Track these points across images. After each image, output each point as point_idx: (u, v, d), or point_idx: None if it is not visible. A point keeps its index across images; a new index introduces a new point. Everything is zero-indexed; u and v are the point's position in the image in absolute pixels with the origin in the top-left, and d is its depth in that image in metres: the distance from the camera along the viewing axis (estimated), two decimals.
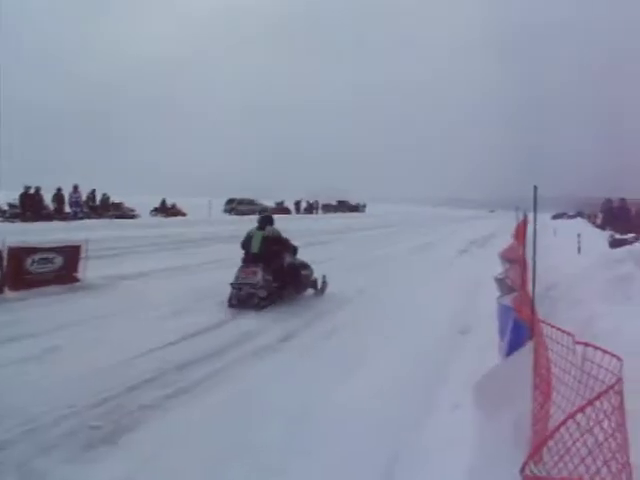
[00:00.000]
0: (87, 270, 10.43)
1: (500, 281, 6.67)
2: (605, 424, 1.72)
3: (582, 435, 1.66)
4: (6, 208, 26.78)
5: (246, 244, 9.99)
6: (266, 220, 10.30)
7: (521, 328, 3.18)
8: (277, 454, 4.07)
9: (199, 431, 4.42)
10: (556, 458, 1.66)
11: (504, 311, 4.24)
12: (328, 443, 4.22)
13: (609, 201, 23.76)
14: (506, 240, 11.06)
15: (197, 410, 4.83)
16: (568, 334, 2.63)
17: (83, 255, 10.55)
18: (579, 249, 15.47)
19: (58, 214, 27.72)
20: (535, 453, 1.58)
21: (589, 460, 1.64)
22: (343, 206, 73.26)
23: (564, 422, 1.66)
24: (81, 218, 27.90)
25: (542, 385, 2.38)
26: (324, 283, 10.62)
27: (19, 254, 9.64)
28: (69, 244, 10.74)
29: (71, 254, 10.47)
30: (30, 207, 26.26)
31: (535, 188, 3.51)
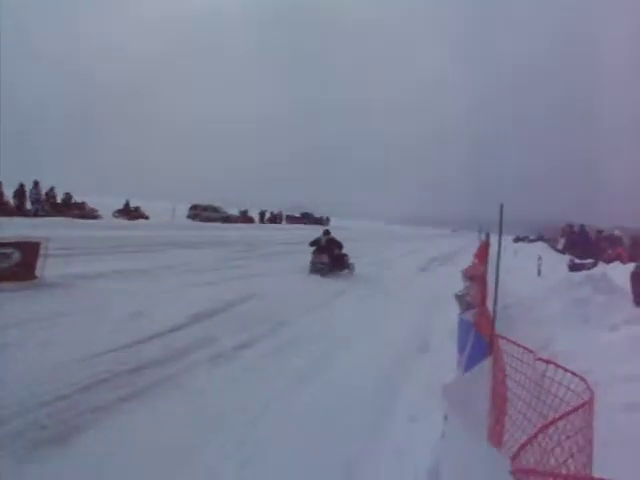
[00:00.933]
0: (45, 268, 10.17)
1: (460, 298, 6.69)
2: (572, 442, 1.69)
3: (544, 455, 1.62)
4: None
5: (317, 242, 16.29)
6: (328, 231, 17.30)
7: (481, 343, 3.16)
8: None
9: None
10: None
11: (464, 326, 4.24)
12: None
13: (570, 226, 24.39)
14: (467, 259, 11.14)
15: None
16: (529, 351, 2.61)
17: (42, 252, 10.24)
18: (539, 272, 15.80)
19: (19, 210, 27.02)
20: (520, 451, 1.54)
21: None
22: (307, 218, 73.71)
23: (545, 427, 1.62)
24: (42, 216, 27.18)
25: (499, 400, 2.35)
26: (353, 267, 16.73)
27: None
28: (28, 240, 10.40)
29: (30, 250, 10.11)
30: None
31: (501, 206, 3.52)
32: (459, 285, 8.07)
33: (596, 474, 1.89)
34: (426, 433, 4.17)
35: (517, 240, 59.56)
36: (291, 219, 68.98)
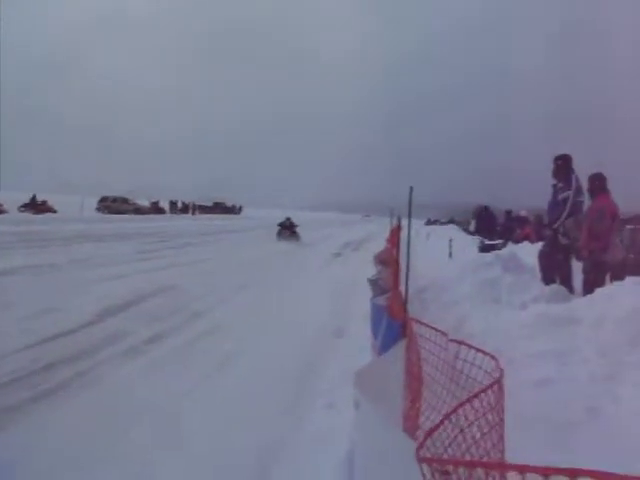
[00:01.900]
0: None
1: (373, 282, 6.76)
2: (482, 422, 1.70)
3: (461, 431, 1.63)
4: None
5: (283, 223, 26.62)
6: (289, 218, 27.19)
7: (394, 327, 3.17)
8: None
9: None
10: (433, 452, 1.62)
11: (377, 311, 4.26)
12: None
13: (481, 208, 25.22)
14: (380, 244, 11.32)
15: None
16: (442, 333, 2.64)
17: None
18: (450, 254, 16.24)
19: None
20: (426, 439, 1.53)
21: (467, 457, 1.62)
22: (219, 208, 73.91)
23: (447, 417, 1.62)
24: None
25: (413, 383, 2.37)
26: (300, 237, 26.40)
27: None
28: None
29: None
30: None
31: (411, 189, 3.54)
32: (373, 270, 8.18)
33: (508, 451, 1.93)
34: (344, 420, 4.19)
35: (429, 223, 61.29)
36: (203, 209, 68.99)
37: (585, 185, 8.21)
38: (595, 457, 3.28)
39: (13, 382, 5.20)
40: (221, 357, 6.39)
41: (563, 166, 8.43)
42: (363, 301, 7.61)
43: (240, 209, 79.95)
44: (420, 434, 2.12)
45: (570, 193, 8.15)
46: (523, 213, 22.69)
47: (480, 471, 1.28)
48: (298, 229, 27.06)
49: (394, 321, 3.24)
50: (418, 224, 57.55)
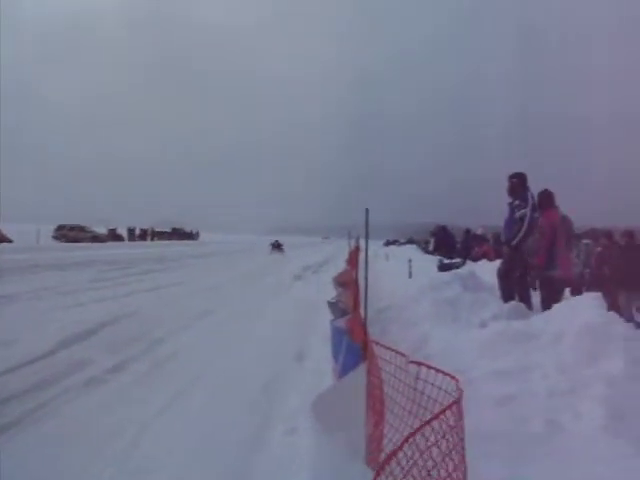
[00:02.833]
0: None
1: (333, 305, 6.77)
2: (442, 444, 1.71)
3: (421, 455, 1.64)
4: None
5: (274, 243, 43.10)
6: (277, 241, 44.44)
7: (354, 350, 3.18)
8: None
9: None
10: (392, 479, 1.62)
11: (337, 333, 4.27)
12: None
13: (439, 227, 25.67)
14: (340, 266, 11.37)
15: None
16: (401, 354, 2.66)
17: None
18: (410, 274, 16.40)
19: None
20: (382, 470, 1.53)
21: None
22: (177, 234, 74.00)
23: (405, 442, 1.62)
24: None
25: (376, 405, 2.38)
26: (284, 250, 41.87)
27: None
28: None
29: None
30: None
31: (367, 210, 3.57)
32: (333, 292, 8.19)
33: (470, 469, 1.94)
34: (306, 445, 4.16)
35: (388, 244, 61.89)
36: (161, 235, 69.03)
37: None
38: (555, 471, 3.33)
39: None
40: (181, 386, 6.29)
41: (518, 184, 8.63)
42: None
43: (197, 234, 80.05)
44: (383, 456, 2.12)
45: (527, 210, 8.34)
46: (479, 231, 23.13)
47: None
48: (284, 247, 42.41)
49: (354, 343, 3.25)
50: (377, 245, 58.10)
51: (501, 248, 11.27)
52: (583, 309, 5.41)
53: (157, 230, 69.73)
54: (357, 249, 9.24)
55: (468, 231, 23.52)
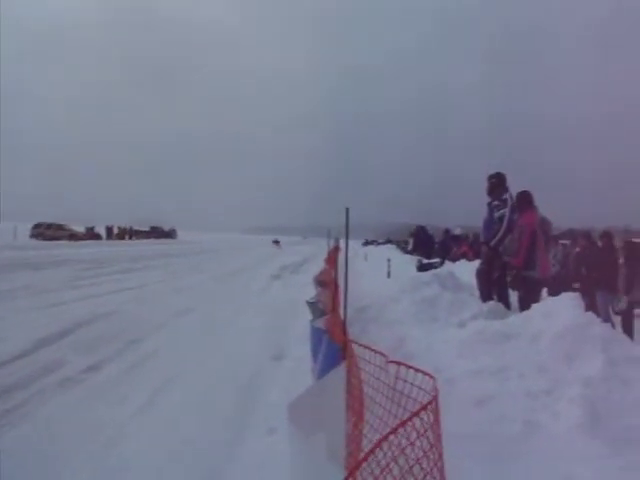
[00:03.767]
0: None
1: (312, 304, 6.77)
2: (419, 443, 1.72)
3: (397, 455, 1.64)
4: None
5: (274, 241, 63.80)
6: (276, 239, 66.76)
7: (333, 350, 3.18)
8: None
9: None
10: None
11: (316, 334, 4.26)
12: None
13: (418, 227, 25.82)
14: (319, 265, 11.39)
15: None
16: (380, 354, 2.67)
17: None
18: (389, 273, 16.47)
19: None
20: (356, 469, 1.53)
21: (409, 477, 1.64)
22: (155, 232, 74.13)
23: (377, 445, 1.62)
24: None
25: (355, 405, 2.38)
26: (282, 246, 58.65)
27: None
28: None
29: None
30: None
31: (347, 210, 3.59)
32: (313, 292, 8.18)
33: (449, 468, 1.96)
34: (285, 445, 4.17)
35: (366, 244, 62.04)
36: (140, 234, 69.21)
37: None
38: (533, 471, 3.37)
39: None
40: (158, 385, 6.26)
41: (497, 184, 8.68)
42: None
43: (175, 232, 80.00)
44: (362, 455, 2.13)
45: (506, 211, 8.39)
46: (458, 231, 23.24)
47: None
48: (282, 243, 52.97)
49: (333, 343, 3.25)
50: (356, 245, 58.29)
51: (480, 248, 11.34)
52: (561, 310, 5.46)
53: (135, 229, 69.80)
54: (336, 249, 9.27)
55: (447, 231, 23.63)
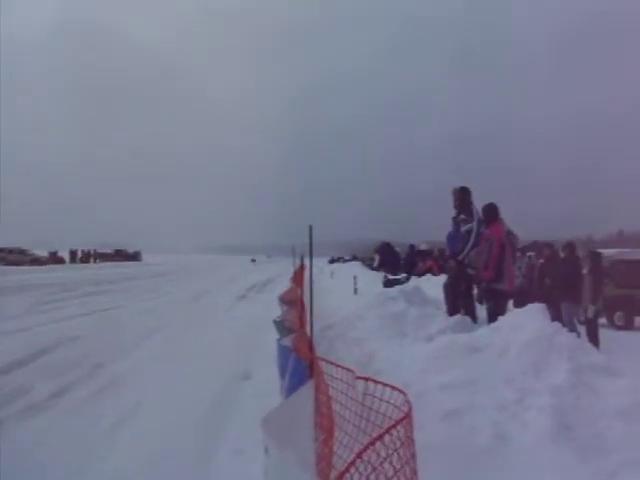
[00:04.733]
0: None
1: (279, 323, 6.73)
2: (394, 459, 1.71)
3: (371, 472, 1.63)
4: None
5: (252, 259, 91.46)
6: (254, 258, 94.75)
7: (301, 367, 3.16)
8: None
9: None
10: None
11: (283, 352, 4.24)
12: None
13: (383, 244, 25.94)
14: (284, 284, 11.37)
15: None
16: (348, 370, 2.65)
17: None
18: (355, 290, 16.49)
19: None
20: None
21: None
22: (120, 255, 73.96)
23: (353, 462, 1.61)
24: None
25: (324, 422, 2.36)
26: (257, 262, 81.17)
27: None
28: None
29: None
30: None
31: (310, 228, 3.58)
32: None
33: None
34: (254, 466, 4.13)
35: (333, 261, 61.97)
36: (104, 257, 69.27)
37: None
38: None
39: None
40: (124, 411, 6.17)
41: (463, 198, 8.75)
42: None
43: (139, 254, 79.85)
44: (333, 473, 2.11)
45: (474, 224, 8.46)
46: (423, 247, 23.41)
47: None
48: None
49: (300, 361, 3.23)
50: (322, 262, 58.29)
51: (445, 263, 11.42)
52: (527, 321, 5.53)
53: (100, 252, 70.04)
54: (302, 267, 9.23)
55: (412, 247, 23.78)
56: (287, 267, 32.25)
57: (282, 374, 4.19)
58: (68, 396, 6.73)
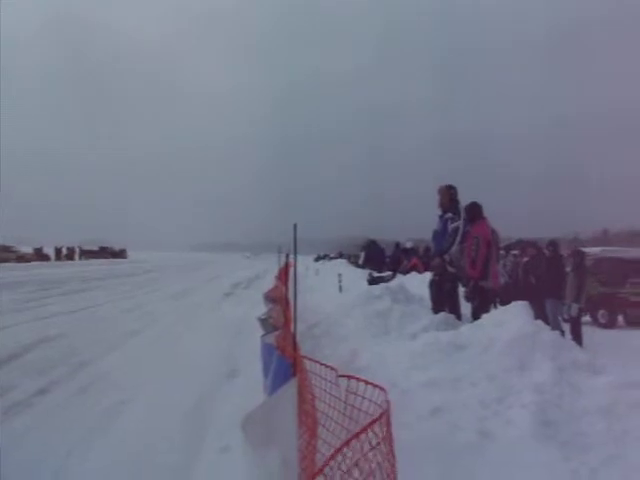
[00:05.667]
0: None
1: (263, 321, 6.72)
2: (373, 455, 1.71)
3: (350, 468, 1.63)
4: None
5: (246, 256, 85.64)
6: (248, 254, 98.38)
7: (284, 365, 3.16)
8: None
9: None
10: None
11: (267, 350, 4.24)
12: None
13: (369, 241, 25.99)
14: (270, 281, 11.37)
15: None
16: (331, 368, 2.66)
17: None
18: (340, 288, 16.50)
19: None
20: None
21: None
22: (105, 252, 73.21)
23: (330, 459, 1.61)
24: None
25: (307, 421, 2.36)
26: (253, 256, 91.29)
27: None
28: None
29: None
30: None
31: (295, 226, 3.57)
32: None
33: None
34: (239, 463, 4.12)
35: (318, 259, 61.94)
36: (89, 254, 68.56)
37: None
38: (489, 478, 3.40)
39: None
40: (108, 409, 6.12)
41: (449, 197, 8.75)
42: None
43: (125, 252, 79.41)
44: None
45: (460, 223, 8.47)
46: (408, 245, 23.45)
47: None
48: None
49: (284, 359, 3.23)
50: (308, 260, 58.30)
51: (431, 260, 11.45)
52: (511, 318, 5.56)
53: (85, 249, 69.60)
54: (287, 265, 9.23)
55: (397, 245, 23.82)
56: (272, 265, 32.39)
57: (265, 371, 4.19)
58: (51, 394, 6.67)
